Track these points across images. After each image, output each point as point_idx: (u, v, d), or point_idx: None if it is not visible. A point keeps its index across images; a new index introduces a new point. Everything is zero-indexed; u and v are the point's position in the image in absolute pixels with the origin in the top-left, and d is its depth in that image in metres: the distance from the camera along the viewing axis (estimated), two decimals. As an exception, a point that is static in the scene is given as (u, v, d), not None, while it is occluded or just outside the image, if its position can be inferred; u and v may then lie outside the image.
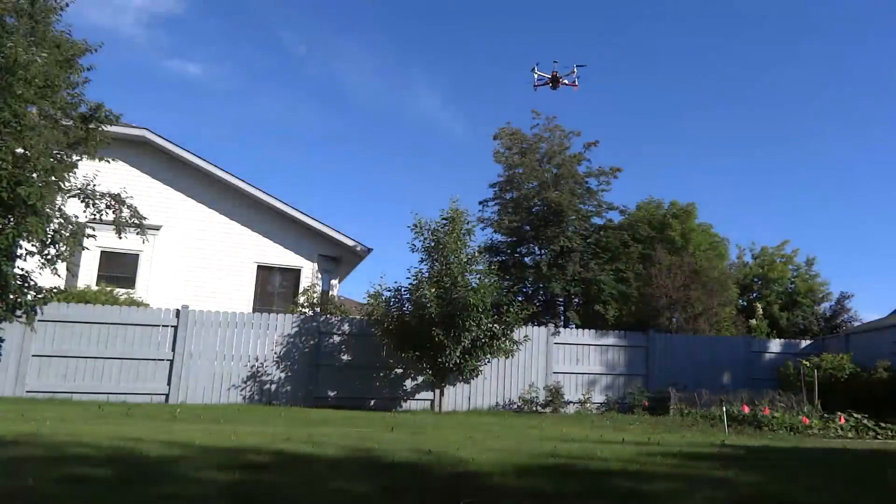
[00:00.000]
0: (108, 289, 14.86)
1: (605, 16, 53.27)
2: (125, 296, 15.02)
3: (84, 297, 13.73)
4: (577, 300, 23.46)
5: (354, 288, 67.11)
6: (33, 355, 12.32)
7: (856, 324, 23.06)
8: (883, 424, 11.07)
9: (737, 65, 52.22)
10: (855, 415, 11.43)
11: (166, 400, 12.69)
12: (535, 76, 24.39)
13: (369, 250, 19.16)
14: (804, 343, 17.09)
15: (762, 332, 22.90)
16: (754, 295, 26.61)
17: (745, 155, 53.26)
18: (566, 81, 24.41)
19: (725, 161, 52.77)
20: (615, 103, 52.50)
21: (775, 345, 16.74)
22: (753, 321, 23.42)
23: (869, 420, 11.23)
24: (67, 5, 11.32)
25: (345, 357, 13.88)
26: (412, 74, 60.10)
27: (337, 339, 13.96)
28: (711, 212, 55.54)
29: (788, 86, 51.30)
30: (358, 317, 14.92)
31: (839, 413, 11.52)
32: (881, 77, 48.67)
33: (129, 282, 16.68)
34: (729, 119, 52.85)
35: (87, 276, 16.11)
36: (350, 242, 18.79)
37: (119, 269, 16.79)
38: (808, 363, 14.13)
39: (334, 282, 19.58)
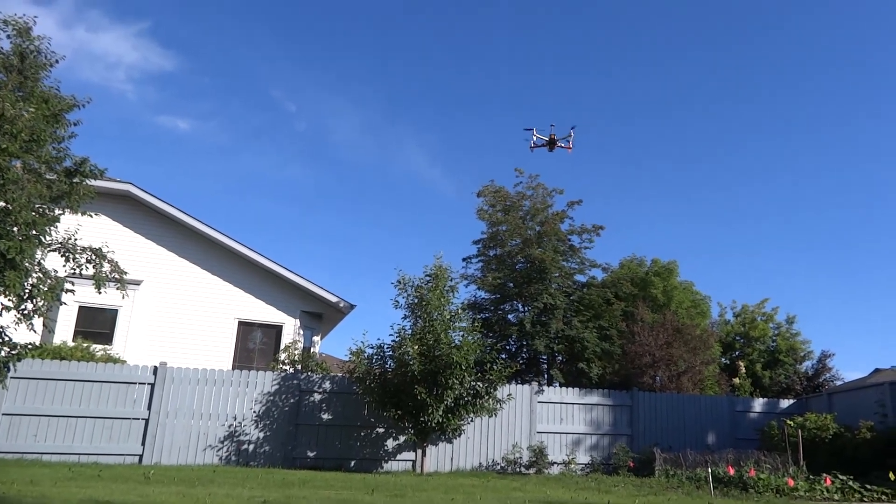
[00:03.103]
0: (85, 345, 14.58)
1: (584, 77, 54.82)
2: (102, 352, 14.73)
3: (59, 354, 13.45)
4: (560, 358, 23.32)
5: (336, 344, 66.51)
6: (3, 414, 11.96)
7: (837, 383, 23.07)
8: (868, 486, 10.98)
9: (713, 120, 53.66)
10: (840, 476, 11.35)
11: (140, 461, 12.31)
12: (534, 138, 25.10)
13: (352, 307, 19.07)
14: (787, 402, 17.06)
15: (745, 391, 22.84)
16: (737, 353, 26.63)
17: (723, 213, 54.18)
18: (562, 144, 25.11)
19: (705, 219, 53.61)
20: (596, 160, 53.51)
21: (759, 404, 16.69)
22: (736, 380, 23.38)
23: (854, 482, 11.14)
24: (57, 62, 11.47)
25: (325, 416, 13.62)
26: (400, 132, 61.14)
27: (318, 397, 13.73)
28: (693, 270, 56.24)
29: (761, 140, 52.67)
30: (339, 374, 14.71)
31: (824, 474, 11.43)
32: (852, 121, 50.20)
33: (107, 338, 16.41)
34: (705, 177, 53.96)
35: (64, 331, 15.85)
36: (333, 299, 18.69)
37: (97, 324, 16.54)
38: (792, 423, 14.08)
39: (316, 338, 19.40)
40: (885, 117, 48.93)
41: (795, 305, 54.26)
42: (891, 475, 10.74)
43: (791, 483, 10.99)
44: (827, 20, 49.02)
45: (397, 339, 13.13)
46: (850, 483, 11.08)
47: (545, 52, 56.22)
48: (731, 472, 11.63)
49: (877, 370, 20.41)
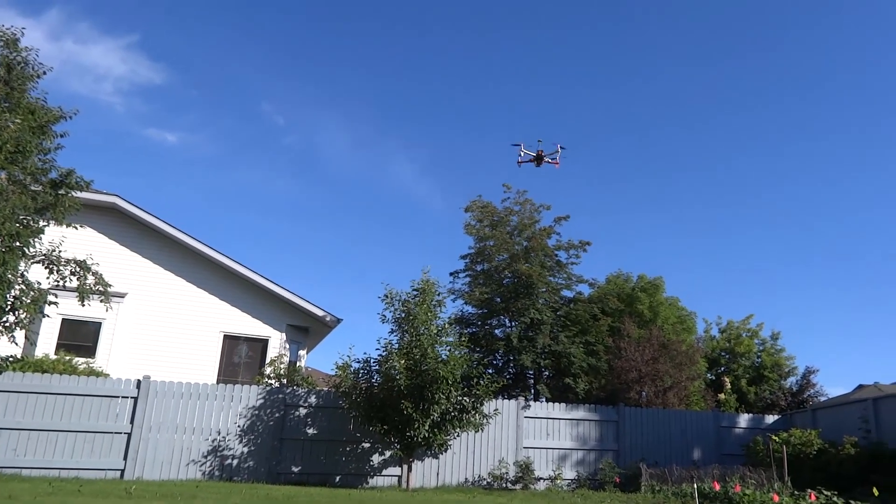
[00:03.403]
0: (67, 358, 14.42)
1: (572, 93, 55.30)
2: (85, 365, 14.57)
3: (41, 367, 13.29)
4: (547, 373, 23.29)
5: (323, 358, 66.19)
6: (-18, 428, 11.77)
7: (822, 398, 23.22)
8: (853, 502, 11.01)
9: (698, 135, 54.22)
10: (825, 492, 11.36)
11: (122, 476, 12.14)
12: (521, 153, 25.20)
13: (339, 321, 18.99)
14: (772, 418, 17.14)
15: (731, 407, 22.92)
16: (722, 369, 26.72)
17: (708, 229, 54.63)
18: (549, 160, 25.23)
19: (690, 235, 54.03)
20: (583, 176, 53.89)
21: (744, 420, 16.76)
22: (722, 395, 23.46)
23: (839, 497, 11.16)
24: (45, 73, 11.45)
25: (310, 430, 13.52)
26: (389, 146, 61.30)
27: (303, 411, 13.63)
28: (678, 285, 56.44)
29: (747, 155, 53.26)
30: (325, 388, 14.63)
31: (809, 490, 11.45)
32: (826, 147, 50.87)
33: (90, 351, 16.25)
34: (691, 193, 54.44)
35: (47, 344, 15.68)
36: (319, 313, 18.61)
37: (80, 337, 16.37)
38: (777, 438, 14.13)
39: (302, 352, 19.28)
40: (869, 133, 49.70)
41: (780, 321, 54.60)
42: (874, 491, 10.80)
43: (776, 499, 11.00)
44: (815, 34, 49.88)
45: (384, 354, 13.09)
46: (835, 499, 11.09)
47: (533, 69, 56.77)
48: (717, 487, 11.64)
49: (860, 386, 20.61)
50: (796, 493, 11.74)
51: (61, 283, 11.67)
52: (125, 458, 12.30)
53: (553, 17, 53.83)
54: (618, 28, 53.98)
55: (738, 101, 52.96)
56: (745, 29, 51.47)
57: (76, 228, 13.05)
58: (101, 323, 16.44)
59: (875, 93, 48.96)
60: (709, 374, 25.82)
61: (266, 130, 60.12)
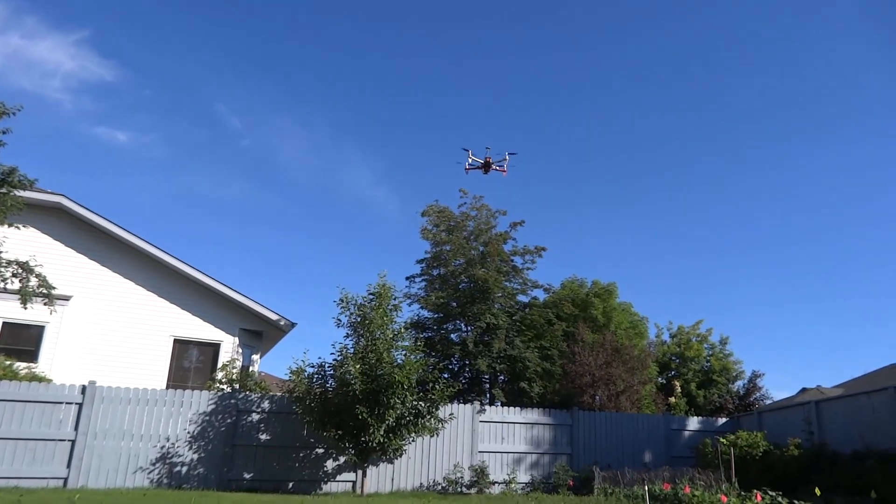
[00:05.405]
0: (8, 363, 13.88)
1: (528, 100, 55.92)
2: (26, 370, 14.04)
3: (-21, 372, 12.76)
4: (502, 377, 23.43)
5: (277, 363, 65.30)
6: (-85, 435, 11.24)
7: (767, 402, 23.88)
8: (796, 502, 11.34)
9: (651, 146, 55.42)
10: (770, 492, 11.69)
11: (65, 484, 11.73)
12: (469, 160, 25.23)
13: (293, 325, 18.74)
14: (721, 421, 17.55)
15: (681, 410, 23.41)
16: (672, 373, 27.27)
17: (661, 235, 55.80)
18: (496, 167, 25.35)
19: (643, 241, 55.08)
20: (537, 183, 54.46)
21: (693, 422, 17.12)
22: (672, 399, 23.95)
23: (783, 498, 11.49)
24: (-13, 67, 11.04)
25: (263, 436, 13.29)
26: (345, 152, 60.90)
27: (256, 417, 13.40)
28: (631, 291, 57.47)
29: (701, 166, 54.63)
30: (279, 393, 14.42)
31: (755, 491, 11.76)
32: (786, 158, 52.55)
33: (32, 355, 15.67)
34: (644, 199, 55.55)
35: (-15, 348, 15.05)
36: (273, 316, 18.34)
37: (22, 341, 15.78)
38: (724, 441, 14.47)
39: (255, 357, 18.96)
40: (821, 146, 51.52)
41: (728, 326, 56.02)
42: (817, 491, 11.14)
43: (724, 499, 11.27)
44: (769, 68, 51.48)
45: (339, 358, 12.96)
46: (780, 499, 11.41)
47: (488, 79, 57.18)
48: (667, 488, 11.87)
49: (803, 389, 21.20)
50: (743, 493, 12.04)
51: (2, 284, 11.28)
52: (69, 465, 11.89)
53: (516, 34, 54.39)
54: (575, 45, 54.86)
55: (692, 122, 54.36)
56: (698, 57, 52.90)
57: (19, 228, 12.62)
58: (44, 326, 15.88)
59: (818, 109, 50.79)
60: (660, 378, 26.33)
61: (221, 133, 59.07)
